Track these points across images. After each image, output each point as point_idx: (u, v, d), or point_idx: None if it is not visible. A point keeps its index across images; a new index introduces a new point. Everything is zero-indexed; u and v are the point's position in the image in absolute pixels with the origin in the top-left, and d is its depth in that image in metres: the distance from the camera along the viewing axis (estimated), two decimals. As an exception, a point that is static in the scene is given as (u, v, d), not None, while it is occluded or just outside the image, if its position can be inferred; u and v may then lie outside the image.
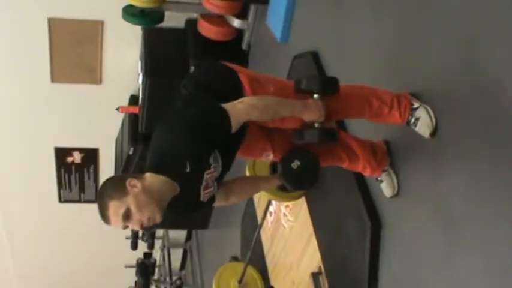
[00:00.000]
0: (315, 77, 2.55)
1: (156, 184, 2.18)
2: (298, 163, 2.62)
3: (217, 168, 2.31)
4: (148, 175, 2.22)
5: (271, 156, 2.71)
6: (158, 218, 2.18)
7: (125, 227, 2.18)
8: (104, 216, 2.19)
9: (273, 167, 3.10)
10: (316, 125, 2.48)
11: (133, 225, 2.17)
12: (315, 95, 2.49)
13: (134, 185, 2.15)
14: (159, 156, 2.27)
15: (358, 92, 2.68)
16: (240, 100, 2.31)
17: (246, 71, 2.56)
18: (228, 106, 2.27)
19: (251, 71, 2.70)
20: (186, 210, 2.48)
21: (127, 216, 2.14)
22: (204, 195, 2.34)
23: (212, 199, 2.46)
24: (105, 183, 2.24)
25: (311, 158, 2.66)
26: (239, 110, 2.27)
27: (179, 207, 2.35)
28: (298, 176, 2.65)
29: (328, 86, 2.55)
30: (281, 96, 2.43)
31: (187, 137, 2.19)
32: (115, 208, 2.14)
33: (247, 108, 2.29)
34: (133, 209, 2.12)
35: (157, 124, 2.37)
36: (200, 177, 2.27)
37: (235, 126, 2.27)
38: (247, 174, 3.52)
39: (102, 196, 2.18)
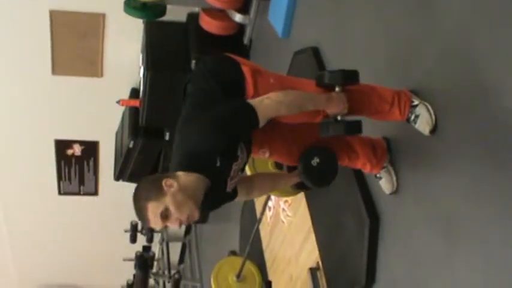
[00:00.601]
0: (337, 71, 2.56)
1: (190, 182, 2.21)
2: (318, 160, 2.65)
3: (243, 159, 2.38)
4: (180, 174, 2.24)
5: (267, 154, 2.71)
6: (196, 215, 2.22)
7: (164, 227, 2.22)
8: (143, 217, 2.23)
9: (277, 165, 3.12)
10: (338, 117, 2.50)
11: (172, 224, 2.21)
12: (337, 88, 2.51)
13: (171, 184, 2.18)
14: (190, 155, 2.29)
15: (359, 89, 2.68)
16: (266, 96, 2.33)
17: (248, 63, 2.56)
18: (255, 102, 2.30)
19: (253, 63, 2.70)
20: (215, 203, 2.51)
21: (166, 216, 2.17)
22: (229, 186, 2.39)
23: (234, 193, 2.51)
24: (140, 184, 2.27)
25: (329, 154, 2.70)
26: (266, 106, 2.30)
27: (209, 200, 2.36)
28: (319, 173, 2.68)
29: (351, 78, 2.57)
30: (282, 89, 2.43)
31: (219, 134, 2.24)
32: (153, 209, 2.17)
33: (275, 104, 2.32)
34: (172, 208, 2.16)
35: (183, 122, 2.41)
36: (229, 169, 2.32)
37: (262, 122, 2.30)
38: (248, 172, 3.52)
39: (139, 198, 2.22)
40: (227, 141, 2.26)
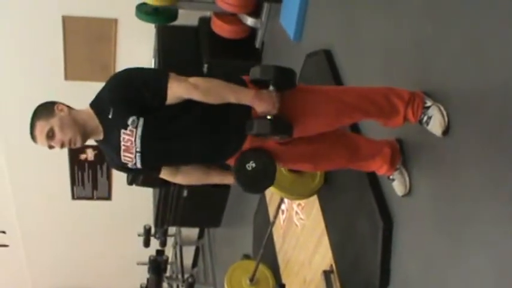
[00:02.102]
0: (269, 67, 2.44)
1: (82, 114, 2.42)
2: (254, 165, 2.49)
3: (133, 134, 2.36)
4: (84, 108, 2.46)
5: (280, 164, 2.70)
6: (79, 142, 2.40)
7: (50, 147, 2.41)
8: (32, 134, 2.42)
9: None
10: (268, 116, 2.38)
11: (55, 144, 2.39)
12: (271, 87, 2.42)
13: (62, 109, 2.40)
14: (99, 92, 2.45)
15: (373, 94, 2.67)
16: (190, 78, 2.36)
17: None
18: (173, 77, 2.34)
19: None
20: (116, 164, 2.58)
21: (51, 136, 2.37)
22: (123, 158, 2.45)
23: (152, 168, 2.62)
24: (38, 105, 2.45)
25: (267, 161, 2.53)
26: (180, 85, 2.33)
27: (109, 154, 2.54)
28: (251, 179, 2.52)
29: (284, 78, 2.48)
30: None
31: (119, 83, 2.38)
32: (41, 127, 2.38)
33: (188, 86, 2.33)
34: (56, 129, 2.36)
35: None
36: (117, 132, 2.38)
37: (170, 98, 2.33)
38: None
39: (33, 116, 2.42)
40: (124, 94, 2.34)
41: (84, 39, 6.52)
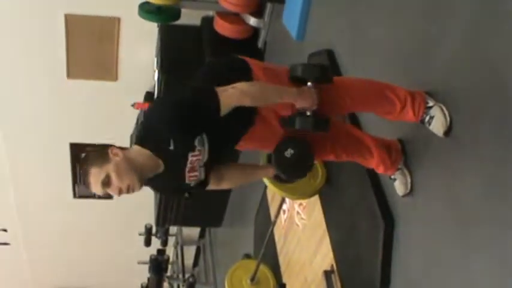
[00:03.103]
0: (310, 65, 2.54)
1: (138, 156, 2.28)
2: (292, 151, 2.59)
3: (202, 153, 2.34)
4: (135, 147, 2.31)
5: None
6: (137, 187, 2.28)
7: (105, 194, 2.28)
8: (85, 181, 2.27)
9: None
10: (308, 112, 2.45)
11: (112, 191, 2.26)
12: (309, 83, 2.47)
13: (116, 153, 2.25)
14: (146, 129, 2.35)
15: (365, 85, 2.68)
16: (232, 85, 2.32)
17: (258, 63, 2.57)
18: (219, 89, 2.29)
19: (261, 62, 2.70)
20: (172, 190, 2.58)
21: (107, 182, 2.23)
22: (188, 178, 2.40)
23: (204, 183, 2.52)
24: (89, 150, 2.32)
25: (305, 147, 2.63)
26: (229, 94, 2.29)
27: (165, 185, 2.46)
28: (292, 165, 2.62)
29: (324, 75, 2.53)
30: (277, 83, 2.45)
31: (173, 113, 2.25)
32: (96, 174, 2.23)
33: (238, 94, 2.30)
34: (113, 176, 2.22)
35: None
36: (184, 159, 2.32)
37: (224, 110, 2.28)
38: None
39: (85, 162, 2.29)
40: (182, 123, 2.25)
41: (87, 37, 6.52)
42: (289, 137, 2.61)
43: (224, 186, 2.76)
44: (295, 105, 2.44)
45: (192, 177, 2.41)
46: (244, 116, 2.42)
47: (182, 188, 2.50)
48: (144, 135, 2.34)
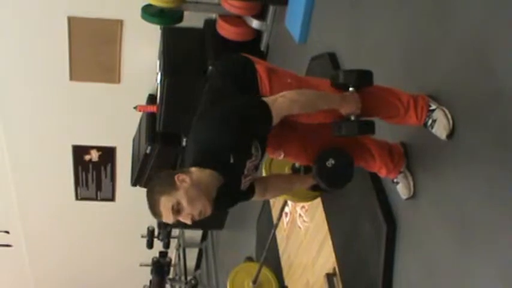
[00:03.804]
0: (351, 71, 2.59)
1: (203, 177, 2.24)
2: (333, 162, 2.64)
3: (257, 157, 2.38)
4: (194, 169, 2.27)
5: (282, 155, 2.72)
6: (209, 211, 2.25)
7: (176, 221, 2.24)
8: (155, 211, 2.26)
9: (294, 169, 3.13)
10: (352, 117, 2.49)
11: (184, 219, 2.23)
12: (351, 88, 2.51)
13: (183, 179, 2.21)
14: (203, 152, 2.31)
15: (374, 91, 2.68)
16: (280, 94, 2.34)
17: (263, 62, 2.58)
18: (269, 100, 2.31)
19: (268, 63, 2.71)
20: (230, 200, 2.53)
21: (178, 210, 2.20)
22: (244, 183, 2.40)
23: (250, 191, 2.53)
24: (154, 179, 2.31)
25: (345, 157, 2.68)
26: (280, 103, 2.30)
27: (223, 197, 2.38)
28: (333, 175, 2.67)
29: (365, 79, 2.58)
30: (298, 88, 2.44)
31: (231, 130, 2.24)
32: (166, 203, 2.20)
33: (288, 102, 2.31)
34: (184, 203, 2.19)
35: (197, 119, 2.43)
36: (243, 166, 2.34)
37: (276, 120, 2.30)
38: (263, 173, 3.52)
39: (152, 192, 2.25)
40: (240, 137, 2.26)
41: (90, 40, 6.54)
42: (331, 147, 2.67)
43: (269, 195, 2.79)
44: (337, 111, 2.47)
45: (246, 181, 2.42)
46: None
47: (235, 197, 2.50)
48: (202, 158, 2.30)
